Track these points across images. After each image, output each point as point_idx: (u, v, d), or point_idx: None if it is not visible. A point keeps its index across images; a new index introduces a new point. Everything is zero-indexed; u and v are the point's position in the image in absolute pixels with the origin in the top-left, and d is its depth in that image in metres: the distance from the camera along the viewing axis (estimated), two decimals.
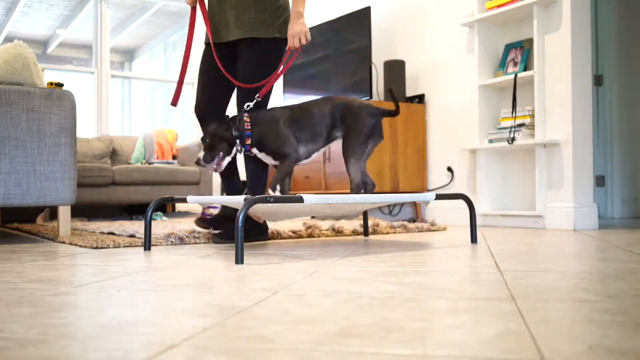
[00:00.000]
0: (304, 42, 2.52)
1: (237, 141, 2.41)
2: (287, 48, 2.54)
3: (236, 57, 2.63)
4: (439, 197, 2.35)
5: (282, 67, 2.54)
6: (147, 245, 2.28)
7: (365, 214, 2.88)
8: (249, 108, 2.46)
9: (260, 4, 2.56)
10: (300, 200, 1.94)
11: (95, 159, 5.43)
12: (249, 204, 1.81)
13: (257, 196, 1.85)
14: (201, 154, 2.42)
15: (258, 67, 2.56)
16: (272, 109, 2.47)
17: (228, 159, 2.44)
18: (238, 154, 2.46)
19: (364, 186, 2.49)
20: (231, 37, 2.58)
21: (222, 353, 0.77)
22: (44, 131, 2.73)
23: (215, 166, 2.41)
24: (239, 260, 1.78)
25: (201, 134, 2.60)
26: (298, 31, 2.50)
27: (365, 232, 2.91)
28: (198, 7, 2.64)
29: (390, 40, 4.70)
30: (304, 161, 2.51)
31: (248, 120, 2.41)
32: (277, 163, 2.44)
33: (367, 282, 1.38)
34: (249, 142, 2.40)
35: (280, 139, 2.39)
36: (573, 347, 0.79)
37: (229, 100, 2.68)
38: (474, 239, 2.43)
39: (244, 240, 2.53)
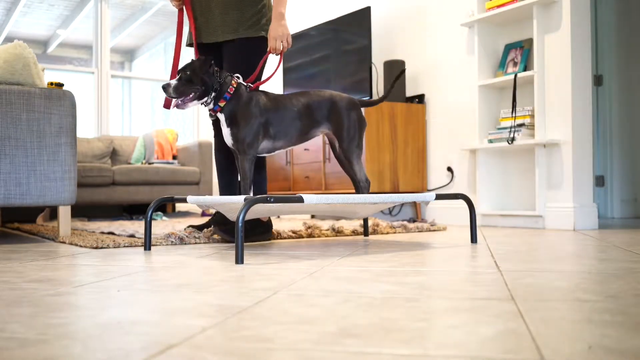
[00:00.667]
0: (285, 45, 2.49)
1: (213, 94, 2.33)
2: (268, 49, 2.52)
3: (222, 58, 2.64)
4: (439, 197, 2.35)
5: (274, 70, 2.53)
6: (147, 245, 2.28)
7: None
8: (239, 79, 2.42)
9: (244, 4, 2.56)
10: (300, 200, 1.94)
11: (95, 159, 5.43)
12: (249, 204, 1.81)
13: (258, 196, 1.85)
14: (174, 82, 2.30)
15: (244, 66, 2.54)
16: (255, 93, 2.41)
17: (195, 103, 2.35)
18: (205, 106, 2.37)
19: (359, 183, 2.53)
20: (217, 38, 2.59)
21: (222, 353, 0.77)
22: (44, 131, 2.73)
23: (179, 102, 2.32)
24: (239, 260, 1.78)
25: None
26: (280, 34, 2.47)
27: (365, 232, 2.91)
28: (184, 8, 2.66)
29: (390, 40, 4.70)
30: (265, 155, 2.49)
31: (234, 86, 2.35)
32: (232, 147, 2.38)
33: (367, 282, 1.38)
34: (222, 104, 2.33)
35: (248, 125, 2.32)
36: (573, 347, 0.79)
37: None
38: (474, 239, 2.43)
39: (249, 239, 2.54)
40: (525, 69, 3.67)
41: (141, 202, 5.03)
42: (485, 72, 3.86)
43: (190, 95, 2.32)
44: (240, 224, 1.78)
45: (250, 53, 2.57)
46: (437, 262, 1.79)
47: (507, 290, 1.24)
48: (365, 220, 2.90)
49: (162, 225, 3.65)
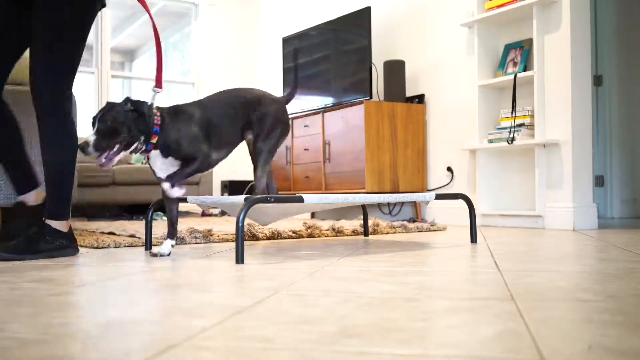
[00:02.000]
0: None
1: (143, 137, 1.97)
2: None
3: (19, 14, 2.07)
4: (438, 197, 2.35)
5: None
6: (148, 245, 2.28)
7: (365, 214, 2.88)
8: (154, 97, 2.06)
9: None
10: (301, 200, 1.95)
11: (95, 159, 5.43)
12: (250, 203, 1.81)
13: (258, 196, 1.85)
14: (92, 139, 1.87)
15: (66, 27, 2.00)
16: (183, 106, 2.11)
17: (122, 155, 1.97)
18: (135, 153, 2.01)
19: (268, 191, 2.32)
20: None
21: (222, 353, 0.77)
22: None
23: (104, 160, 1.90)
24: (240, 260, 1.78)
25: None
26: None
27: (365, 232, 2.91)
28: None
29: (390, 40, 4.70)
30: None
31: (158, 114, 2.01)
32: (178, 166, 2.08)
33: (367, 282, 1.38)
34: (154, 140, 1.99)
35: (192, 144, 2.03)
36: (573, 347, 0.79)
37: (8, 71, 2.17)
38: (473, 239, 2.43)
39: (42, 254, 1.97)
40: (525, 69, 3.67)
41: (141, 202, 5.03)
42: (485, 72, 3.86)
43: (116, 149, 1.93)
44: (241, 224, 1.78)
45: (66, 8, 2.00)
46: (437, 262, 1.79)
47: (507, 290, 1.24)
48: (365, 221, 2.90)
49: (162, 225, 3.65)
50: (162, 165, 2.06)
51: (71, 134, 2.11)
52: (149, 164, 2.11)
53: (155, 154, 2.04)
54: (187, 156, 2.04)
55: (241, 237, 1.79)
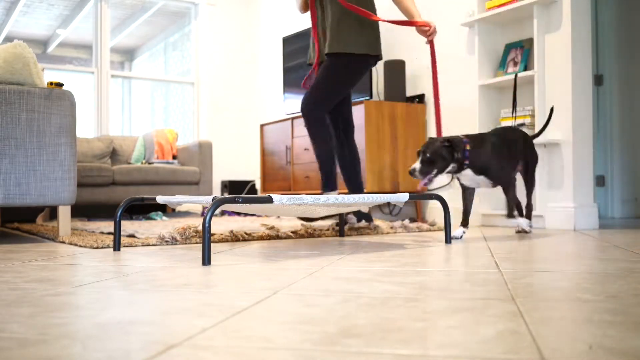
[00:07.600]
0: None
1: (454, 165, 2.61)
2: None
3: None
4: (412, 197, 2.34)
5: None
6: (117, 245, 2.24)
7: (340, 215, 2.87)
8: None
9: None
10: (270, 200, 1.92)
11: (95, 159, 5.43)
12: (216, 203, 1.79)
13: (225, 196, 1.83)
14: (417, 166, 2.55)
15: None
16: (484, 135, 2.75)
17: (440, 177, 2.67)
18: (451, 174, 2.66)
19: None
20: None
21: (222, 353, 0.77)
22: (43, 131, 2.73)
23: (426, 181, 2.58)
24: (206, 261, 1.75)
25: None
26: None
27: (341, 233, 2.89)
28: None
29: (390, 40, 4.70)
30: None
31: (467, 140, 2.62)
32: (491, 187, 2.75)
33: (367, 282, 1.38)
34: (467, 162, 2.61)
35: (499, 165, 2.67)
36: (573, 347, 0.79)
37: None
38: (448, 240, 2.44)
39: None
40: (525, 69, 3.67)
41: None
42: (486, 72, 3.86)
43: (434, 173, 2.57)
44: (207, 224, 1.75)
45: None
46: (436, 262, 1.79)
47: (507, 290, 1.24)
48: (341, 221, 2.88)
49: (161, 225, 3.65)
50: (472, 180, 2.70)
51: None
52: (457, 177, 2.74)
53: (467, 172, 2.66)
54: (495, 176, 2.69)
55: (207, 237, 1.75)
